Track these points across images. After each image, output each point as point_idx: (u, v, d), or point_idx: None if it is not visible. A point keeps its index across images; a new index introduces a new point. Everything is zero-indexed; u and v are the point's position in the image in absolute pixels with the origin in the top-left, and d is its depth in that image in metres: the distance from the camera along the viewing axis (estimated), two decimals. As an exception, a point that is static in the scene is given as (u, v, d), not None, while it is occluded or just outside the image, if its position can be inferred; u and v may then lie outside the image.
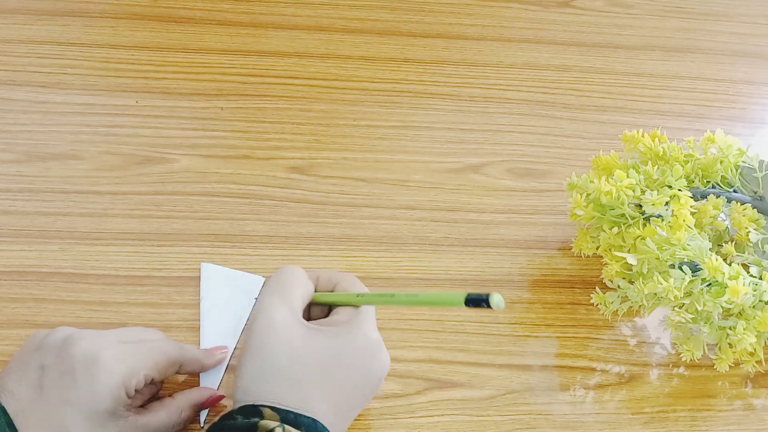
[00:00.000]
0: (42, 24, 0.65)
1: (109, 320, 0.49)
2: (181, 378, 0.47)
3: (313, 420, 0.38)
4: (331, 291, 0.45)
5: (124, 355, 0.40)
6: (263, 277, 0.52)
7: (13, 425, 0.37)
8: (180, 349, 0.43)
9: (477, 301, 0.35)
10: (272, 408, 0.38)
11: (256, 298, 0.51)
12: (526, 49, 0.71)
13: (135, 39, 0.66)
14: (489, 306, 0.35)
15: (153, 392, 0.44)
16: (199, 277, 0.52)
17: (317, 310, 0.46)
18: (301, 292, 0.43)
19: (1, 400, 0.38)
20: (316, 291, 0.45)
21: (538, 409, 0.49)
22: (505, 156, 0.63)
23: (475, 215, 0.58)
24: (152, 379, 0.41)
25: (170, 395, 0.44)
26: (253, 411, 0.38)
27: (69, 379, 0.38)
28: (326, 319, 0.43)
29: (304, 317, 0.43)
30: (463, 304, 0.36)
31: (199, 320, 0.50)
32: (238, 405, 0.39)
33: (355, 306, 0.43)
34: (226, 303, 0.50)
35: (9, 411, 0.37)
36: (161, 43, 0.66)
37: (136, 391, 0.40)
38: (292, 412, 0.38)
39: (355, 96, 0.65)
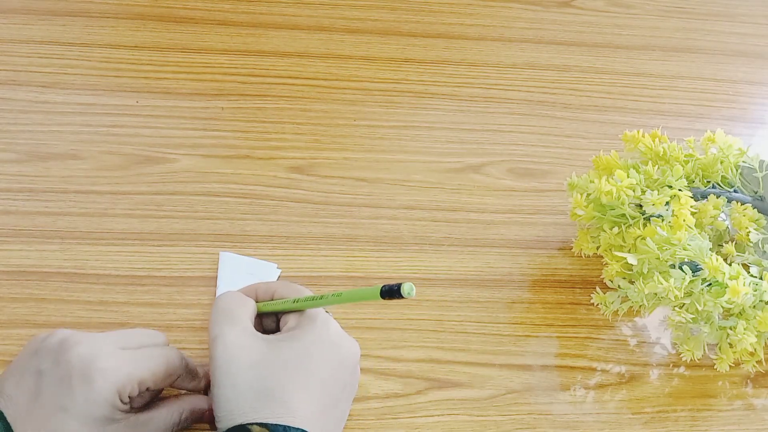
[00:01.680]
0: (42, 24, 0.65)
1: (110, 320, 0.49)
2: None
3: (303, 431, 0.38)
4: (271, 299, 0.45)
5: (120, 362, 0.39)
6: (278, 268, 0.53)
7: (11, 430, 0.37)
8: (181, 359, 0.43)
9: (390, 292, 0.37)
10: (260, 424, 0.38)
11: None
12: (527, 49, 0.71)
13: (135, 39, 0.66)
14: (401, 296, 0.36)
15: (153, 396, 0.43)
16: (201, 276, 0.52)
17: (269, 321, 0.46)
18: (246, 309, 0.43)
19: (0, 405, 0.38)
20: (257, 302, 0.45)
21: (539, 408, 0.49)
22: (505, 156, 0.63)
23: (475, 215, 0.58)
24: (147, 388, 0.41)
25: (175, 395, 0.44)
26: (242, 430, 0.37)
27: (65, 385, 0.38)
28: (280, 331, 0.44)
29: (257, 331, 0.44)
30: (380, 297, 0.37)
31: (199, 320, 0.50)
32: (224, 430, 0.39)
33: (298, 311, 0.44)
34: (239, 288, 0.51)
35: (7, 416, 0.37)
36: (162, 43, 0.66)
37: (130, 397, 0.40)
38: (281, 425, 0.38)
39: (355, 96, 0.65)
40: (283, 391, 0.39)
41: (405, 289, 0.36)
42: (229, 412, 0.39)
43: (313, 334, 0.42)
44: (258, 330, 0.43)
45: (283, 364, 0.40)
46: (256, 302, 0.45)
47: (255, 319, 0.45)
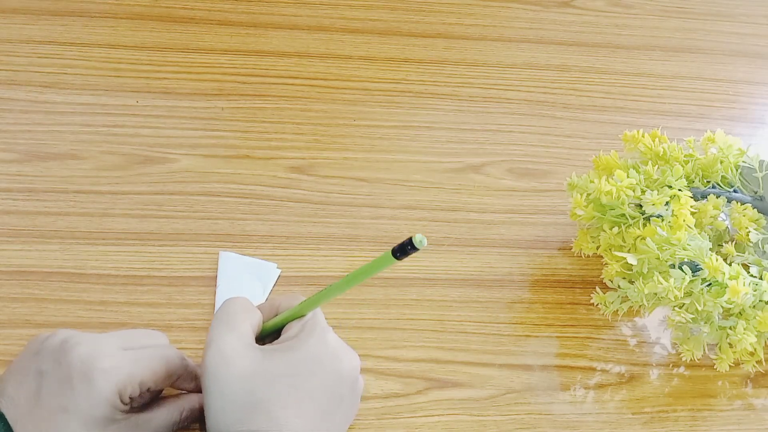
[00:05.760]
0: (42, 24, 0.65)
1: (110, 320, 0.49)
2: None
3: None
4: (276, 315, 0.45)
5: (121, 362, 0.39)
6: (278, 268, 0.53)
7: (12, 431, 0.37)
8: (181, 359, 0.43)
9: (403, 249, 0.36)
10: None
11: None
12: (527, 49, 0.71)
13: (135, 39, 0.66)
14: (415, 248, 0.35)
15: (153, 396, 0.43)
16: (201, 276, 0.52)
17: (271, 339, 0.45)
18: (249, 318, 0.42)
19: (1, 406, 0.37)
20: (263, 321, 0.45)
21: (539, 408, 0.49)
22: (505, 156, 0.63)
23: (475, 215, 0.58)
24: (148, 389, 0.41)
25: (175, 395, 0.44)
26: None
27: (66, 386, 0.38)
28: (278, 339, 0.43)
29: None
30: (395, 260, 0.36)
31: (199, 320, 0.50)
32: None
33: (301, 316, 0.43)
34: (240, 289, 0.51)
35: (8, 417, 0.37)
36: (161, 43, 0.66)
37: (131, 398, 0.40)
38: None
39: (355, 96, 0.65)
40: (272, 404, 0.39)
41: (417, 239, 0.35)
42: (216, 422, 0.38)
43: (310, 345, 0.41)
44: (259, 343, 0.43)
45: (274, 376, 0.39)
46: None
47: (262, 340, 0.44)
